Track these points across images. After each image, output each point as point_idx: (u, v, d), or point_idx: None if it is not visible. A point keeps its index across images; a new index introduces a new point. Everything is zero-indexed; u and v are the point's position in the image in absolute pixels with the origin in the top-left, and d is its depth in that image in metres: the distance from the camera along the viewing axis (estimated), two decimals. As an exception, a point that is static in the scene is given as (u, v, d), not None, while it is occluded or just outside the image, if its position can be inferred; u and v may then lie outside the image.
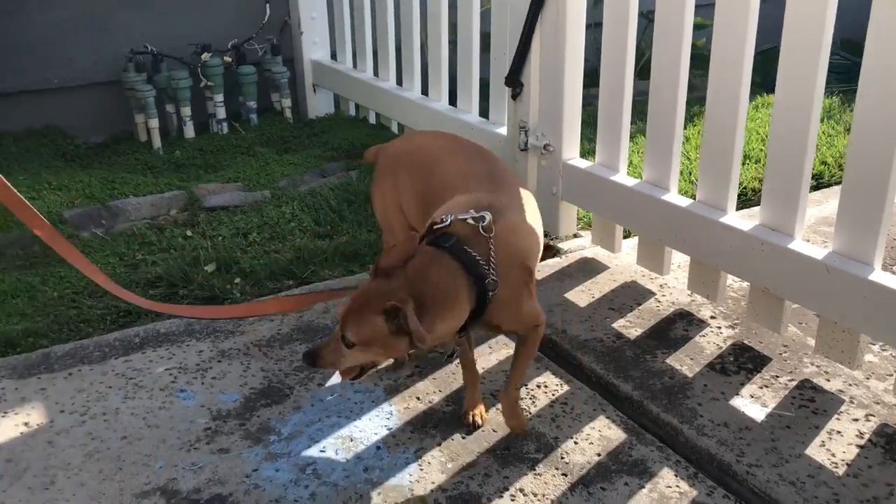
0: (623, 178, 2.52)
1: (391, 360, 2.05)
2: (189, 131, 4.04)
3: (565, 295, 2.45)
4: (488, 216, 1.65)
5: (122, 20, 4.00)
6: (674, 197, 2.36)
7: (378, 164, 2.08)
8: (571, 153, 2.68)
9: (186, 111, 4.00)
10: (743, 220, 2.19)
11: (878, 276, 1.87)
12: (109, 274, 2.56)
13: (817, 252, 1.99)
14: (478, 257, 1.61)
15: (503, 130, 2.96)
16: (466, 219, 1.65)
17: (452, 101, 3.40)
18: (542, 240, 1.83)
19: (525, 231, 1.75)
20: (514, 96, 2.77)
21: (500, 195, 1.78)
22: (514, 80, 2.73)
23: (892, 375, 2.03)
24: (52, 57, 3.90)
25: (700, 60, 2.52)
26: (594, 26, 2.68)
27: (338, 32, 4.17)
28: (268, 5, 4.24)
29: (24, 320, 2.31)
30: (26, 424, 1.89)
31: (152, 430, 1.87)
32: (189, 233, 2.85)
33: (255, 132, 4.05)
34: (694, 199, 2.33)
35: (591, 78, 2.70)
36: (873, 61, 1.78)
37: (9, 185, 1.71)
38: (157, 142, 3.93)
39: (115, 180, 3.22)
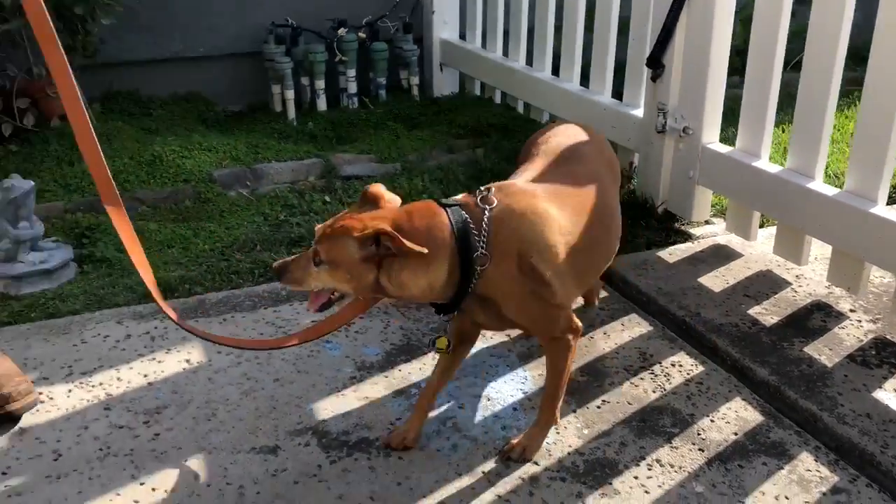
0: (765, 164, 2.48)
1: (351, 299, 1.68)
2: (321, 104, 4.18)
3: (699, 279, 2.44)
4: (492, 189, 1.58)
5: (266, -7, 4.18)
6: (819, 185, 2.31)
7: None
8: (711, 137, 2.66)
9: (320, 84, 4.15)
10: (894, 212, 2.13)
11: None
12: (253, 232, 2.70)
13: (978, 247, 1.93)
14: (472, 226, 1.51)
15: (638, 112, 2.95)
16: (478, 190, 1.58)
17: (583, 82, 3.41)
18: (569, 238, 1.62)
19: (536, 218, 1.58)
20: (655, 78, 2.76)
21: (544, 181, 1.70)
22: (656, 62, 2.72)
23: None
24: (198, 27, 4.11)
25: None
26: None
27: (469, 13, 4.23)
28: (400, -20, 4.34)
29: (179, 268, 2.47)
30: (188, 361, 2.03)
31: (302, 376, 1.98)
32: (327, 198, 2.98)
33: (383, 108, 4.16)
34: (840, 188, 2.28)
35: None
36: None
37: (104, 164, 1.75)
38: (291, 112, 4.09)
39: (258, 145, 3.39)
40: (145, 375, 1.97)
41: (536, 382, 1.98)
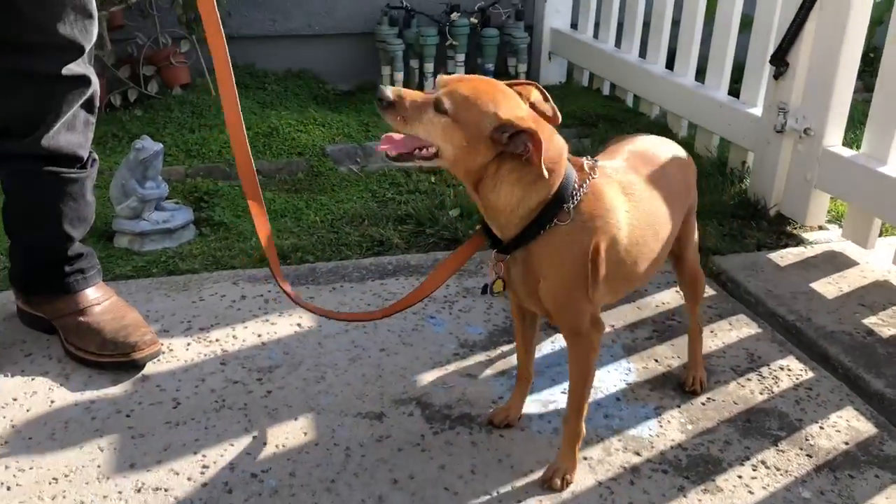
0: (893, 170, 2.38)
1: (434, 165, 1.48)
2: (429, 86, 4.23)
3: (811, 285, 2.37)
4: (598, 164, 1.52)
5: (385, -25, 4.25)
6: (941, 192, 2.21)
7: None
8: (834, 140, 2.57)
9: (430, 67, 4.20)
10: None
11: None
12: (361, 207, 2.76)
13: None
14: (575, 182, 1.46)
15: (756, 111, 2.88)
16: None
17: (698, 78, 3.34)
18: (637, 242, 1.55)
19: (626, 208, 1.52)
20: (777, 76, 2.68)
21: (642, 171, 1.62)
22: (780, 59, 2.65)
23: None
24: (314, 6, 4.22)
25: None
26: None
27: (582, 2, 4.19)
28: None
29: (291, 237, 2.55)
30: (299, 325, 2.10)
31: (407, 348, 2.03)
32: (433, 179, 3.02)
33: (489, 93, 4.17)
34: (975, 200, 2.17)
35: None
36: None
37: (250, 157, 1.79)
38: (399, 94, 4.15)
39: (368, 123, 3.46)
40: (259, 335, 2.05)
41: (640, 375, 1.96)
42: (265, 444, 1.69)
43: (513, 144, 1.37)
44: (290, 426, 1.74)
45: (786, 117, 2.66)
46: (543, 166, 1.35)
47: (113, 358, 1.89)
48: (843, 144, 2.60)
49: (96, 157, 1.98)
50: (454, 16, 4.15)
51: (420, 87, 4.22)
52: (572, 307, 1.51)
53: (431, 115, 1.37)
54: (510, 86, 1.45)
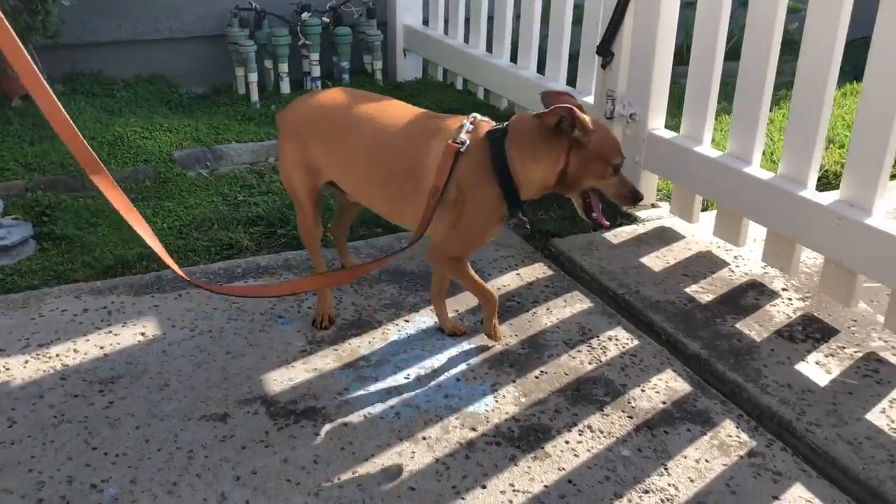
0: (707, 149, 2.59)
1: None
2: (285, 87, 4.23)
3: (640, 259, 2.55)
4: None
5: (229, -23, 4.21)
6: (756, 170, 2.42)
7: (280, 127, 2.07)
8: (657, 123, 2.76)
9: (284, 68, 4.19)
10: (822, 195, 2.25)
11: (954, 254, 1.91)
12: (211, 212, 2.76)
13: (894, 228, 2.04)
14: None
15: (590, 99, 3.05)
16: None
17: (541, 70, 3.49)
18: None
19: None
20: (604, 65, 2.85)
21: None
22: (605, 50, 2.81)
23: (960, 355, 2.07)
24: (162, 9, 4.13)
25: (786, 46, 2.55)
26: (685, 6, 2.74)
27: (431, 0, 4.29)
28: (366, -33, 4.38)
29: (137, 246, 2.52)
30: (143, 335, 2.10)
31: (254, 349, 2.06)
32: (286, 179, 3.03)
33: (346, 91, 4.21)
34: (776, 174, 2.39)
35: (678, 56, 2.76)
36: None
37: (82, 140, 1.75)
38: (254, 95, 4.13)
39: (219, 126, 3.43)
40: (101, 347, 2.03)
41: (480, 355, 2.07)
42: (105, 454, 1.68)
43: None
44: (131, 435, 1.74)
45: (614, 104, 2.83)
46: None
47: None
48: (674, 128, 2.80)
49: None
50: (305, 15, 4.16)
51: (276, 88, 4.22)
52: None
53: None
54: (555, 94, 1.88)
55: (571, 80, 3.30)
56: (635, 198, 1.86)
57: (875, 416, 1.86)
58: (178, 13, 4.19)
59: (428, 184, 1.82)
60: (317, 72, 4.28)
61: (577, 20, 3.23)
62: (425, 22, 4.43)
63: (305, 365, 2.00)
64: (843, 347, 2.12)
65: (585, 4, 3.04)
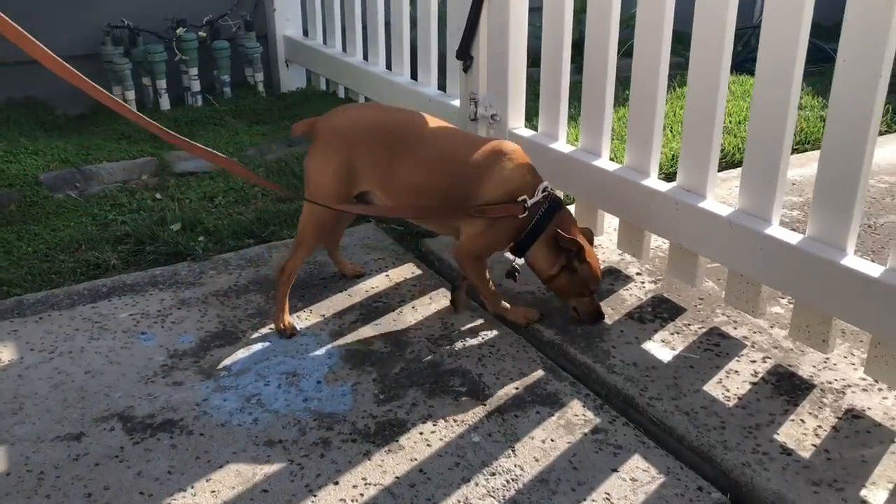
0: (562, 145, 2.70)
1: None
2: (165, 103, 4.20)
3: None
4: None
5: (99, -5, 4.16)
6: (604, 162, 2.54)
7: (320, 135, 2.19)
8: (517, 123, 2.86)
9: (162, 84, 4.16)
10: (662, 183, 2.38)
11: (775, 230, 2.06)
12: (79, 233, 2.73)
13: (723, 210, 2.18)
14: None
15: (457, 102, 3.14)
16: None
17: (415, 75, 3.57)
18: None
19: None
20: (465, 69, 2.94)
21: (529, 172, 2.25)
22: (465, 54, 2.90)
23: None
24: (32, 30, 4.02)
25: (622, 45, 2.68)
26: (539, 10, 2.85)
27: (309, 10, 4.33)
28: (240, -18, 4.39)
29: (-1, 272, 2.48)
30: (-1, 360, 2.07)
31: (114, 366, 2.05)
32: (158, 195, 3.03)
33: (228, 105, 4.21)
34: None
35: (536, 59, 2.87)
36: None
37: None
38: (133, 113, 4.08)
39: (90, 147, 3.39)
40: (-47, 377, 2.00)
41: (344, 356, 2.12)
42: (-49, 483, 1.67)
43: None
44: (-20, 461, 1.73)
45: (476, 106, 2.92)
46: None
47: None
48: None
49: None
50: (180, 31, 4.14)
51: (155, 105, 4.18)
52: None
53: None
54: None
55: (443, 85, 3.39)
56: (598, 318, 2.24)
57: (711, 387, 1.99)
58: (50, 33, 4.07)
59: (472, 200, 2.13)
60: (197, 86, 4.26)
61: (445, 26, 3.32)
62: (305, 33, 4.46)
63: (166, 379, 2.01)
64: (689, 324, 2.25)
65: (448, 10, 3.12)
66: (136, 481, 1.68)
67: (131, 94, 4.09)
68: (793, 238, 2.01)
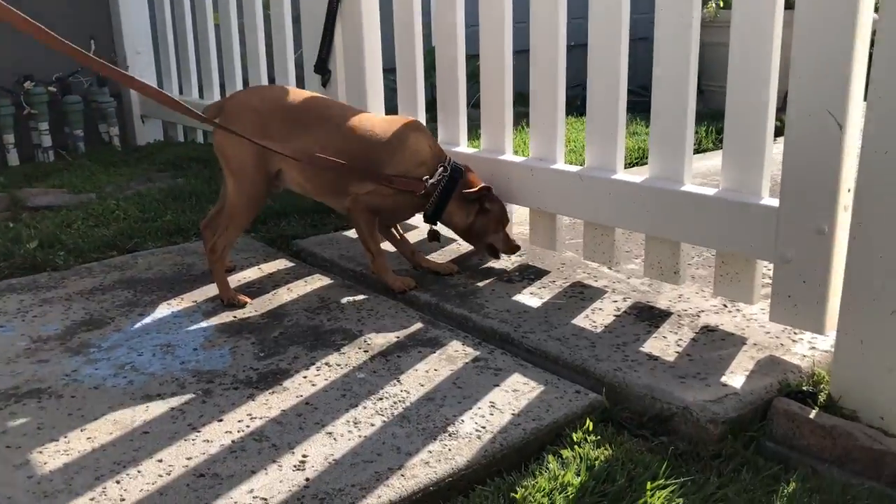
0: (462, 147, 2.84)
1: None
2: (13, 159, 4.06)
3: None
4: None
5: (-61, 51, 4.03)
6: (463, 148, 2.70)
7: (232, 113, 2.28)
8: (376, 127, 2.98)
9: (10, 138, 4.04)
10: (517, 157, 2.55)
11: (620, 175, 2.25)
12: (-75, 258, 2.58)
13: (573, 168, 2.37)
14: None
15: (318, 121, 3.24)
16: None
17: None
18: None
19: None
20: (325, 83, 3.06)
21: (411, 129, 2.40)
22: (323, 68, 3.03)
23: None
24: None
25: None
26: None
27: (163, 64, 4.37)
28: (92, 41, 4.38)
29: None
30: None
31: (-30, 354, 1.94)
32: (11, 224, 2.90)
33: (82, 159, 4.12)
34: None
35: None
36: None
37: None
38: (-22, 169, 3.93)
39: (-69, 186, 3.22)
40: None
41: (218, 328, 2.09)
42: None
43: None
44: None
45: (337, 117, 3.03)
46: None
47: None
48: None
49: None
50: (28, 84, 4.06)
51: (2, 161, 4.03)
52: None
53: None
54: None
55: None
56: (516, 248, 2.45)
57: (580, 321, 2.10)
58: None
59: (382, 168, 2.29)
60: (48, 141, 4.16)
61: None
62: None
63: (30, 359, 1.92)
64: (553, 281, 2.38)
65: (303, 32, 3.25)
66: (1, 438, 1.58)
67: (-24, 149, 3.94)
68: (637, 178, 2.21)
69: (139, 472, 1.47)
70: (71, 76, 4.32)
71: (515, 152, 2.66)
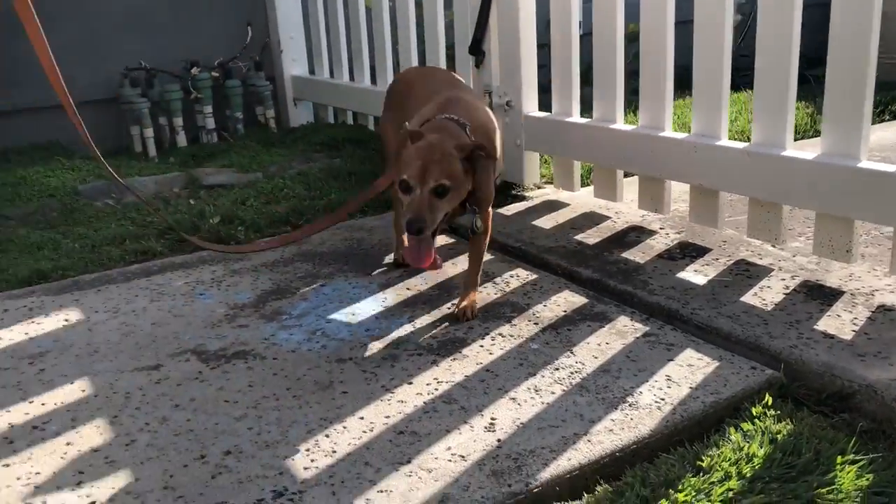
0: (577, 118, 2.88)
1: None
2: (181, 140, 4.37)
3: (532, 223, 2.78)
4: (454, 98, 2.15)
5: (117, 42, 4.37)
6: (620, 125, 2.72)
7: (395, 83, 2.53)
8: (531, 106, 3.05)
9: (178, 122, 4.34)
10: (678, 133, 2.55)
11: (790, 152, 2.22)
12: (122, 231, 2.84)
13: (739, 144, 2.35)
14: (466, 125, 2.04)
15: (470, 101, 3.33)
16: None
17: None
18: (497, 134, 2.19)
19: (482, 111, 2.18)
20: (478, 64, 3.14)
21: (456, 91, 2.26)
22: (477, 50, 3.11)
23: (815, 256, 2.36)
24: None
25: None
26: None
27: (315, 48, 4.57)
28: (249, 28, 4.63)
29: (50, 262, 2.58)
30: (67, 320, 2.15)
31: (178, 319, 2.14)
32: (192, 201, 3.15)
33: (241, 140, 4.38)
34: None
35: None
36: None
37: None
38: (152, 150, 4.25)
39: (120, 166, 3.53)
40: (26, 333, 2.08)
41: (396, 300, 2.22)
42: (43, 404, 1.73)
43: (473, 160, 1.91)
44: (67, 389, 1.80)
45: (491, 97, 3.11)
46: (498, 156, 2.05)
47: None
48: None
49: None
50: (194, 70, 4.34)
51: (172, 142, 4.35)
52: (490, 190, 2.06)
53: (439, 203, 1.84)
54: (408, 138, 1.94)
55: (452, 92, 3.58)
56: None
57: (748, 298, 2.10)
58: (69, 80, 4.28)
59: None
60: (211, 124, 4.44)
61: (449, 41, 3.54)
62: (311, 71, 4.68)
63: (231, 324, 2.10)
64: (717, 259, 2.38)
65: (455, 18, 3.35)
66: (218, 394, 1.76)
67: (149, 132, 4.26)
68: (808, 155, 2.18)
69: (345, 427, 1.61)
70: (230, 61, 4.59)
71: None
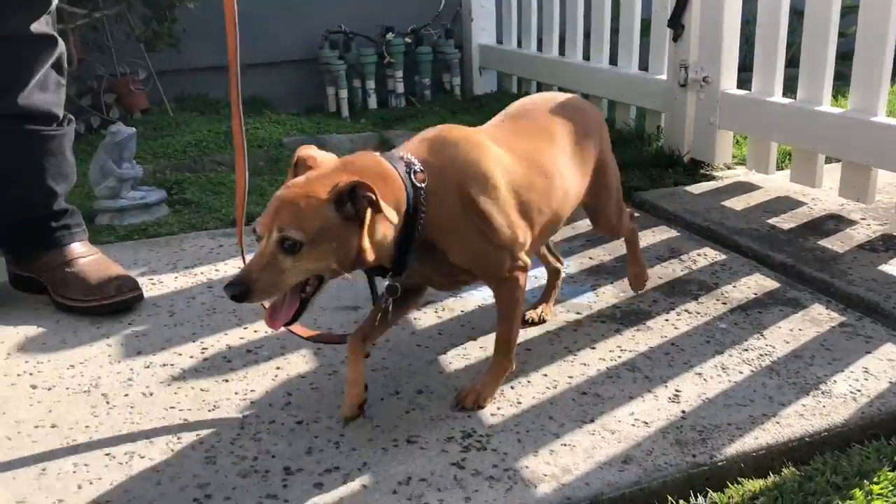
0: (779, 98, 2.76)
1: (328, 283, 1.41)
2: (372, 103, 4.57)
3: (721, 203, 2.71)
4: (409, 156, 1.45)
5: (319, 4, 4.62)
6: (827, 108, 2.58)
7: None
8: (729, 84, 2.95)
9: (371, 84, 4.55)
10: (893, 119, 2.40)
11: None
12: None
13: (966, 134, 2.18)
14: (407, 166, 1.42)
15: (662, 76, 3.26)
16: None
17: (611, 63, 3.74)
18: (514, 177, 1.53)
19: (470, 146, 1.49)
20: (676, 38, 3.08)
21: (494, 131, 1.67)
22: (676, 23, 3.05)
23: None
24: (259, 35, 4.55)
25: None
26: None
27: (504, 17, 4.62)
28: (443, -4, 4.76)
29: (258, 207, 2.79)
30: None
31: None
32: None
33: (427, 106, 4.53)
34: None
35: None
36: None
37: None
38: (345, 111, 4.48)
39: (319, 122, 3.76)
40: (238, 266, 2.28)
41: (578, 268, 2.25)
42: (255, 332, 1.91)
43: (358, 205, 1.30)
44: (275, 320, 1.97)
45: (687, 72, 3.04)
46: (384, 206, 1.30)
47: (97, 301, 2.01)
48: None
49: (72, 117, 2.14)
50: (389, 36, 4.52)
51: (364, 104, 4.56)
52: (487, 257, 1.50)
53: (289, 263, 1.29)
54: (296, 164, 1.45)
55: (643, 65, 3.53)
56: None
57: (961, 299, 1.97)
58: (273, 39, 4.60)
59: None
60: (400, 88, 4.62)
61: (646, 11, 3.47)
62: (499, 41, 4.74)
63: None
64: (925, 254, 2.23)
65: (654, -9, 3.29)
66: (411, 338, 1.87)
67: (344, 94, 4.49)
68: None
69: (529, 381, 1.67)
70: (423, 28, 4.74)
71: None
